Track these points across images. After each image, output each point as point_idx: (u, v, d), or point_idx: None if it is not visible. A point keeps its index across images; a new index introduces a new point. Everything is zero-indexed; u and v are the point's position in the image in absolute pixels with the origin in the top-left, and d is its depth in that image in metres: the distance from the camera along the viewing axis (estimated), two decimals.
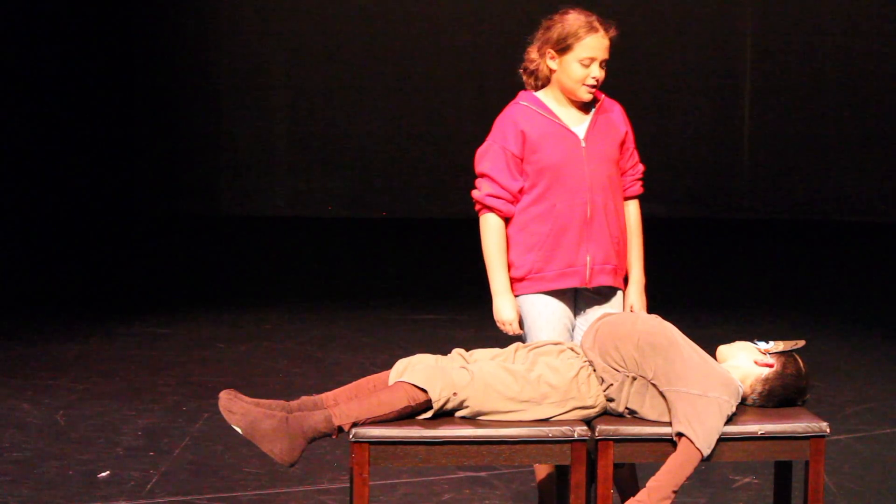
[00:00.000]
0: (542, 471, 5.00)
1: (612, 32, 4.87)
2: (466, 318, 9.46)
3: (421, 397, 4.31)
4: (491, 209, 4.89)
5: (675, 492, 4.26)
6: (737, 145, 15.14)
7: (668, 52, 14.82)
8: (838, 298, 10.60)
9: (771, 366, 4.53)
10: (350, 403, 4.32)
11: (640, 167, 5.08)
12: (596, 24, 4.83)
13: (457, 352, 4.55)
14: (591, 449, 4.38)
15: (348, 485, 5.11)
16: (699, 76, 15.02)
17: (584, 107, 4.92)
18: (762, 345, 4.58)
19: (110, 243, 13.49)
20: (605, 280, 4.91)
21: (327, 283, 11.20)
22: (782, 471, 4.67)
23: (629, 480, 4.96)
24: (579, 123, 4.90)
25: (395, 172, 15.34)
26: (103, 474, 6.06)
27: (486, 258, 4.94)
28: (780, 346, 4.57)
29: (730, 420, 4.35)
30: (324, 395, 4.45)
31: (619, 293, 4.99)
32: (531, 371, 4.42)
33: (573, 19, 4.84)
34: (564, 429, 4.32)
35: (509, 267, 4.92)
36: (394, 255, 12.94)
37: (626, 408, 4.43)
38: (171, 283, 11.27)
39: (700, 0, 15.03)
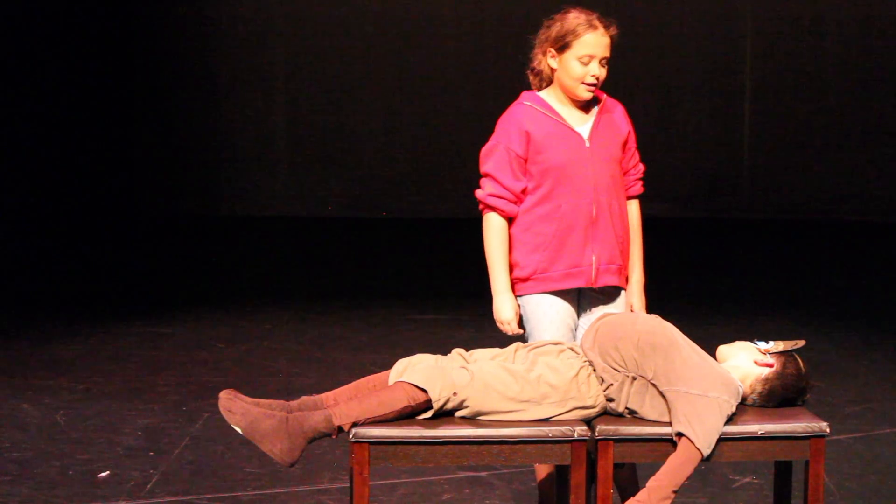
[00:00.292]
0: (542, 471, 5.00)
1: (613, 30, 4.86)
2: (466, 318, 9.46)
3: (421, 397, 4.31)
4: (493, 209, 4.90)
5: (675, 492, 4.26)
6: (737, 145, 15.14)
7: (668, 53, 14.82)
8: (838, 298, 10.60)
9: (771, 366, 4.53)
10: (350, 403, 4.32)
11: (641, 167, 5.09)
12: (595, 21, 4.83)
13: (457, 352, 4.55)
14: (591, 449, 4.38)
15: (348, 485, 5.11)
16: (699, 76, 15.02)
17: (587, 107, 4.92)
18: (762, 345, 4.58)
19: (110, 243, 13.49)
20: (611, 280, 4.91)
21: (327, 283, 11.20)
22: (782, 471, 4.67)
23: (629, 480, 4.96)
24: (583, 123, 4.90)
25: (395, 172, 15.35)
26: (103, 474, 6.06)
27: (487, 257, 4.94)
28: (780, 346, 4.57)
29: (730, 420, 4.35)
30: (324, 395, 4.45)
31: (623, 293, 5.00)
32: (531, 371, 4.42)
33: (573, 17, 4.84)
34: (564, 429, 4.32)
35: (514, 267, 4.93)
36: (394, 255, 12.94)
37: (626, 408, 4.43)
38: (171, 283, 11.27)
39: (700, 0, 15.03)
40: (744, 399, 4.51)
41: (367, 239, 13.95)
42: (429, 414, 4.33)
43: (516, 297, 4.95)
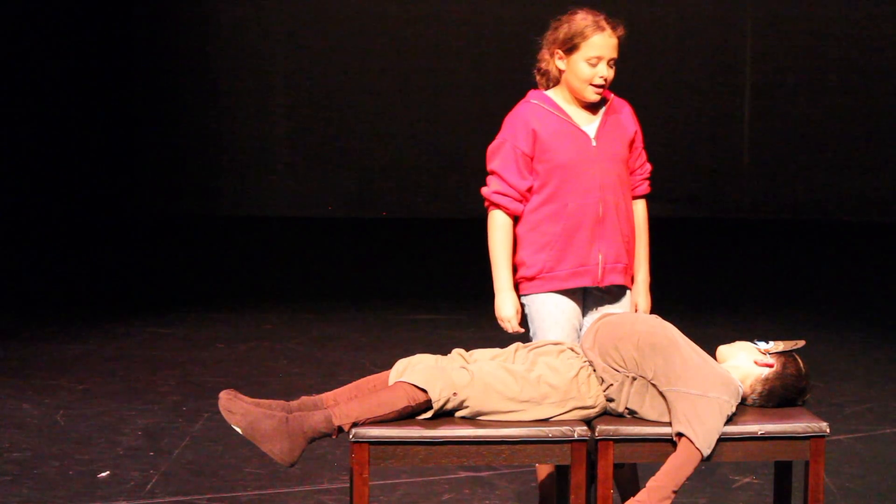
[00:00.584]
0: (543, 470, 5.00)
1: (620, 31, 4.86)
2: (466, 318, 9.47)
3: (421, 397, 4.31)
4: (498, 206, 4.90)
5: (675, 492, 4.26)
6: (737, 145, 15.14)
7: (668, 52, 14.82)
8: (838, 298, 10.60)
9: (771, 366, 4.53)
10: (350, 403, 4.32)
11: (648, 166, 5.09)
12: (603, 23, 4.83)
13: (457, 352, 4.55)
14: (591, 449, 4.38)
15: (348, 485, 5.12)
16: (699, 76, 15.02)
17: (595, 106, 4.92)
18: (762, 345, 4.58)
19: (110, 243, 13.49)
20: (617, 279, 4.91)
21: (327, 283, 11.21)
22: (782, 471, 4.67)
23: (630, 480, 4.96)
24: (590, 123, 4.90)
25: (395, 172, 15.35)
26: (103, 474, 6.06)
27: (490, 254, 4.95)
28: (780, 346, 4.57)
29: (730, 420, 4.35)
30: (324, 395, 4.45)
31: (628, 292, 5.00)
32: (531, 371, 4.42)
33: (580, 19, 4.83)
34: (564, 429, 4.32)
35: (520, 266, 4.93)
36: (394, 255, 12.94)
37: (626, 408, 4.43)
38: (171, 283, 11.27)
39: (700, 0, 15.04)
40: (744, 399, 4.51)
41: (367, 239, 13.95)
42: (429, 414, 4.33)
43: (522, 295, 4.95)
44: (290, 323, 9.48)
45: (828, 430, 4.38)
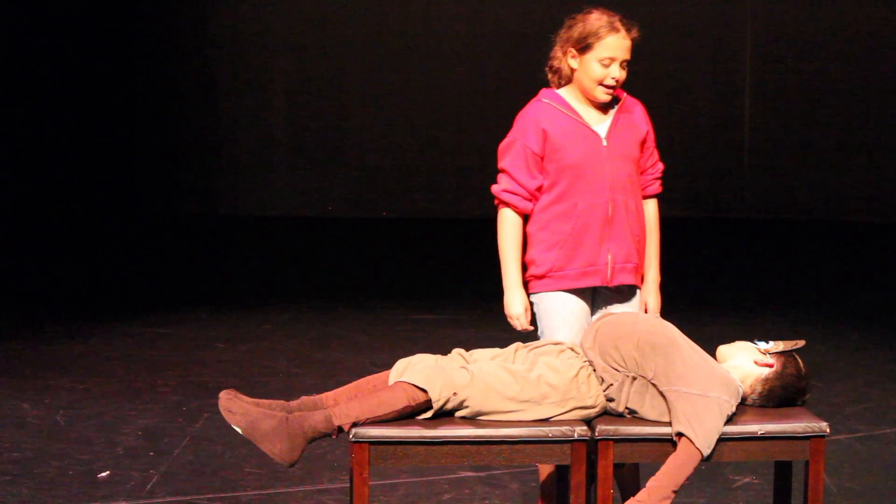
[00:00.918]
0: (545, 468, 5.00)
1: (634, 33, 4.86)
2: (466, 318, 9.47)
3: (421, 397, 4.31)
4: (507, 205, 4.92)
5: (675, 492, 4.26)
6: (737, 145, 15.14)
7: (668, 53, 14.83)
8: (838, 298, 10.60)
9: (771, 366, 4.53)
10: (350, 403, 4.32)
11: (660, 166, 5.08)
12: (617, 24, 4.83)
13: (457, 352, 4.55)
14: (591, 449, 4.38)
15: (348, 485, 5.11)
16: (699, 76, 15.02)
17: (606, 105, 4.91)
18: (762, 345, 4.58)
19: (110, 243, 13.49)
20: (626, 279, 4.91)
21: (327, 283, 11.21)
22: (782, 471, 4.67)
23: (632, 480, 4.96)
24: (601, 122, 4.90)
25: (395, 172, 15.35)
26: (103, 474, 6.06)
27: (500, 252, 4.96)
28: (780, 346, 4.57)
29: (730, 420, 4.35)
30: (324, 395, 4.45)
31: (638, 292, 5.00)
32: (531, 371, 4.42)
33: (595, 19, 4.83)
34: (564, 429, 4.32)
35: (530, 265, 4.94)
36: (394, 255, 12.94)
37: (626, 408, 4.43)
38: (171, 283, 11.27)
39: (700, 0, 15.04)
40: (744, 399, 4.51)
41: (367, 239, 13.95)
42: (429, 414, 4.33)
43: (531, 294, 4.95)
44: (290, 323, 9.48)
45: (828, 430, 4.38)
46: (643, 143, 4.98)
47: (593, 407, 4.44)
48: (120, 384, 7.68)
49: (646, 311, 5.01)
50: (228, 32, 15.37)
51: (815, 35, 14.99)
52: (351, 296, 10.52)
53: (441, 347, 4.83)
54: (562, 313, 4.90)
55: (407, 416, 4.32)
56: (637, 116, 4.98)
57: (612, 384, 4.43)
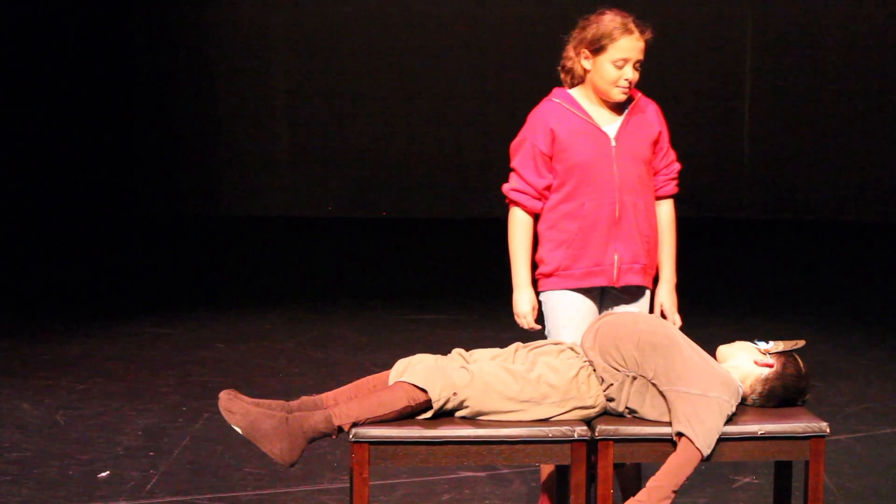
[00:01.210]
0: (547, 468, 5.00)
1: (648, 34, 4.87)
2: (466, 318, 9.46)
3: (421, 397, 4.31)
4: (516, 203, 4.94)
5: (675, 492, 4.26)
6: (737, 145, 15.14)
7: (668, 53, 14.82)
8: (838, 298, 10.60)
9: (771, 366, 4.53)
10: (350, 403, 4.32)
11: (676, 166, 5.06)
12: (631, 25, 4.83)
13: (457, 352, 4.55)
14: (591, 449, 4.38)
15: (348, 485, 5.12)
16: (699, 76, 15.02)
17: (619, 105, 4.91)
18: (762, 345, 4.58)
19: (110, 243, 13.49)
20: (634, 279, 4.91)
21: (327, 283, 11.20)
22: (782, 471, 4.68)
23: (633, 479, 4.96)
24: (611, 122, 4.90)
25: (395, 172, 15.35)
26: (103, 474, 6.06)
27: (509, 251, 4.98)
28: (780, 346, 4.57)
29: (730, 420, 4.35)
30: (324, 395, 4.45)
31: (647, 293, 4.99)
32: (531, 371, 4.42)
33: (609, 20, 4.83)
34: (564, 429, 4.32)
35: (539, 262, 4.97)
36: (394, 255, 12.94)
37: (626, 407, 4.43)
38: (171, 283, 11.27)
39: (700, 0, 15.03)
40: (744, 399, 4.51)
41: (367, 239, 13.95)
42: (429, 414, 4.33)
43: (539, 292, 4.96)
44: (290, 323, 9.48)
45: (828, 430, 4.38)
46: (655, 143, 4.97)
47: (593, 407, 4.44)
48: (120, 384, 7.68)
49: (661, 312, 5.00)
50: (228, 31, 15.37)
51: (815, 35, 14.98)
52: (351, 296, 10.52)
53: (441, 347, 4.83)
54: (568, 312, 4.91)
55: (407, 416, 4.32)
56: (650, 116, 4.97)
57: (612, 384, 4.43)
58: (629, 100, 4.94)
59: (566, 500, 4.62)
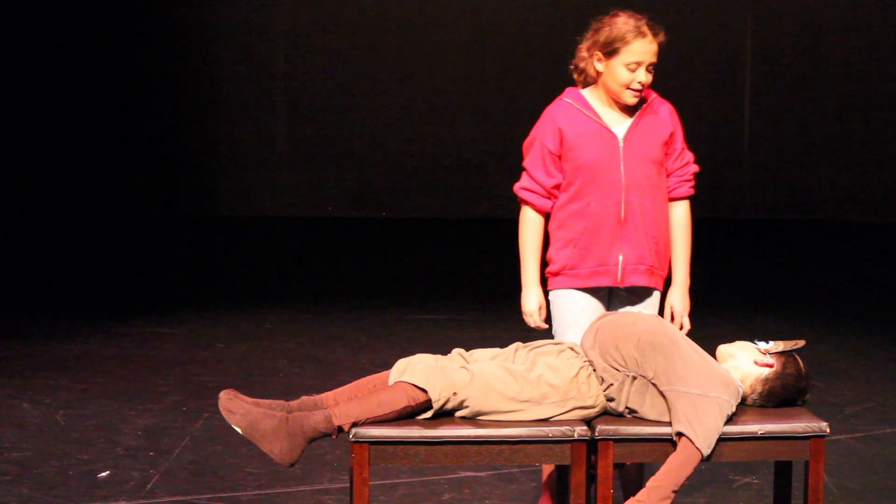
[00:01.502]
0: (548, 468, 5.00)
1: (662, 37, 4.87)
2: (466, 318, 9.46)
3: (421, 397, 4.31)
4: (526, 202, 4.96)
5: (675, 491, 4.26)
6: (737, 145, 15.14)
7: (667, 52, 14.82)
8: (838, 298, 10.60)
9: (771, 366, 4.53)
10: (350, 403, 4.32)
11: (691, 168, 5.03)
12: (644, 28, 4.82)
13: (457, 352, 4.55)
14: (591, 449, 4.38)
15: (348, 485, 5.11)
16: (699, 76, 15.02)
17: (630, 106, 4.90)
18: (762, 345, 4.58)
19: (110, 243, 13.49)
20: (639, 280, 4.91)
21: (327, 283, 11.21)
22: (782, 471, 4.67)
23: (635, 480, 4.96)
24: (621, 123, 4.89)
25: (395, 172, 15.35)
26: (103, 474, 6.05)
27: (519, 249, 4.99)
28: (780, 346, 4.57)
29: (730, 420, 4.35)
30: (324, 395, 4.45)
31: (655, 294, 4.98)
32: (531, 371, 4.41)
33: (622, 23, 4.82)
34: (564, 429, 4.32)
35: (549, 261, 4.98)
36: (394, 255, 12.94)
37: (626, 407, 4.43)
38: (171, 283, 11.27)
39: (700, 1, 15.03)
40: (744, 399, 4.51)
41: (367, 239, 13.95)
42: (429, 414, 4.33)
43: (548, 291, 4.97)
44: (290, 323, 9.48)
45: (828, 430, 4.38)
46: (666, 144, 4.95)
47: (593, 407, 4.44)
48: (120, 384, 7.68)
49: (671, 314, 4.99)
50: (228, 32, 15.37)
51: (815, 35, 14.98)
52: (350, 296, 10.52)
53: (441, 347, 4.83)
54: (573, 311, 4.92)
55: (407, 416, 4.32)
56: (662, 117, 4.95)
57: (612, 384, 4.43)
58: (642, 100, 4.93)
59: (566, 500, 4.62)
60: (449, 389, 4.32)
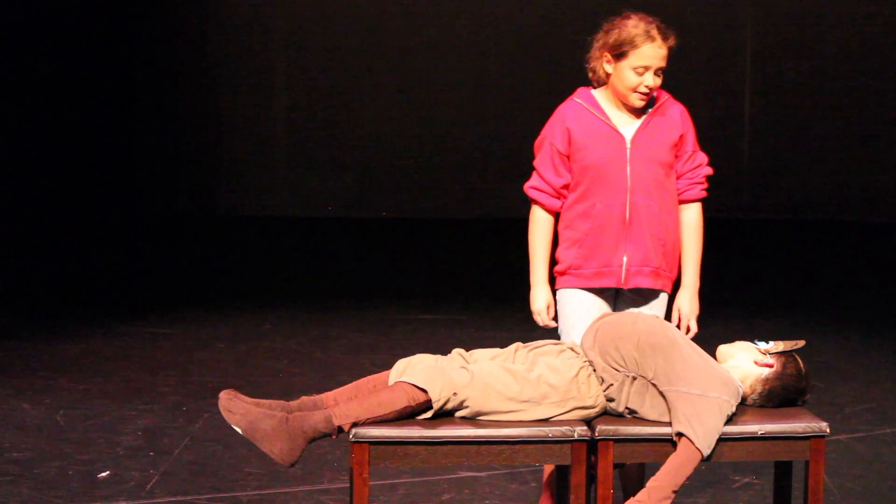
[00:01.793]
0: (550, 467, 5.00)
1: (671, 41, 4.84)
2: (466, 318, 9.46)
3: (421, 397, 4.31)
4: (535, 201, 4.98)
5: (675, 492, 4.26)
6: (737, 145, 15.14)
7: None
8: (838, 298, 10.60)
9: (771, 366, 4.53)
10: (350, 403, 4.32)
11: (704, 170, 5.00)
12: (654, 32, 4.80)
13: (457, 352, 4.55)
14: (591, 449, 4.38)
15: (348, 485, 5.11)
16: (699, 76, 15.02)
17: (641, 108, 4.90)
18: (762, 345, 4.58)
19: (110, 243, 13.49)
20: (644, 282, 4.90)
21: (327, 283, 11.20)
22: (782, 471, 4.67)
23: (636, 480, 4.95)
24: (629, 124, 4.89)
25: (395, 172, 15.35)
26: (103, 474, 6.05)
27: (528, 248, 4.99)
28: (780, 346, 4.57)
29: (730, 420, 4.35)
30: (324, 395, 4.45)
31: (662, 296, 4.97)
32: (531, 371, 4.41)
33: (632, 26, 4.80)
34: (564, 429, 4.32)
35: (558, 261, 4.99)
36: (394, 255, 12.94)
37: (626, 408, 4.43)
38: (171, 283, 11.27)
39: (700, 0, 15.03)
40: (744, 399, 4.51)
41: (367, 239, 13.95)
42: (429, 414, 4.33)
43: (556, 290, 4.97)
44: (290, 323, 9.48)
45: (828, 430, 4.38)
46: (676, 146, 4.93)
47: (593, 407, 4.44)
48: (120, 384, 7.68)
49: (678, 317, 4.99)
50: (228, 32, 15.37)
51: (815, 35, 14.98)
52: (351, 296, 10.52)
53: (441, 347, 4.83)
54: (578, 311, 4.92)
55: (407, 416, 4.32)
56: (673, 119, 4.94)
57: (612, 384, 4.43)
58: (652, 102, 4.92)
59: (566, 500, 4.62)
60: (449, 389, 4.32)
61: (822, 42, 15.00)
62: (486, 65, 15.15)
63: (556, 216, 5.00)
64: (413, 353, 4.57)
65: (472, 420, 4.36)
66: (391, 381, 4.42)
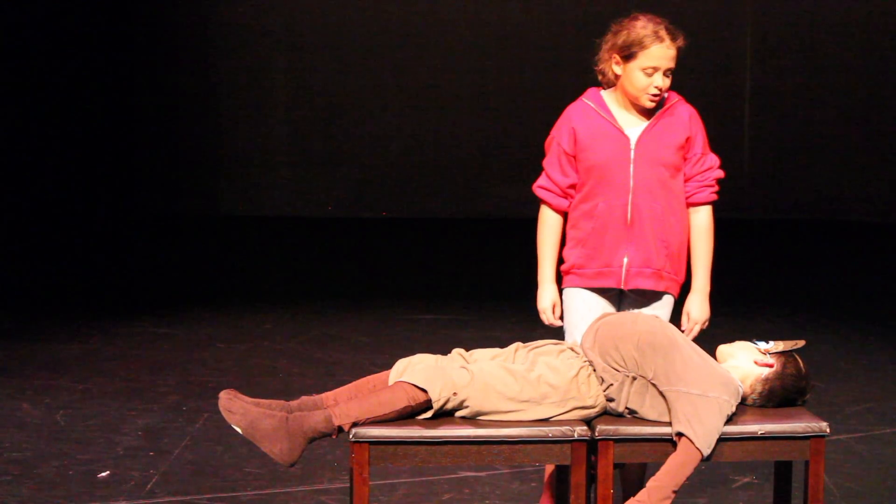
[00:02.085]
0: (551, 467, 5.00)
1: (680, 42, 4.84)
2: (466, 318, 9.46)
3: (421, 397, 4.31)
4: (542, 201, 5.01)
5: (675, 492, 4.26)
6: (737, 145, 15.14)
7: None
8: (838, 298, 10.59)
9: (771, 366, 4.53)
10: (350, 403, 4.32)
11: (714, 173, 4.96)
12: (663, 33, 4.80)
13: (457, 352, 4.55)
14: (591, 449, 4.38)
15: (348, 485, 5.11)
16: (699, 76, 15.01)
17: (648, 109, 4.89)
18: (762, 345, 4.58)
19: (110, 243, 13.48)
20: (645, 284, 4.90)
21: (327, 283, 11.20)
22: (782, 471, 4.68)
23: (637, 481, 4.95)
24: (636, 125, 4.89)
25: (395, 172, 15.34)
26: (103, 474, 6.06)
27: (536, 247, 5.02)
28: (780, 346, 4.57)
29: (730, 420, 4.35)
30: (324, 395, 4.45)
31: (667, 298, 4.96)
32: (531, 371, 4.42)
33: (640, 27, 4.80)
34: (564, 429, 4.32)
35: (565, 260, 4.99)
36: (394, 255, 12.94)
37: (626, 408, 4.43)
38: (171, 283, 11.27)
39: (700, 1, 15.03)
40: (744, 399, 4.51)
41: (367, 239, 13.95)
42: (429, 414, 4.33)
43: (561, 289, 4.98)
44: (290, 323, 9.48)
45: (828, 430, 4.38)
46: (682, 148, 4.92)
47: (593, 407, 4.44)
48: (120, 384, 7.68)
49: (688, 321, 4.97)
50: (228, 32, 15.36)
51: (815, 35, 14.98)
52: (350, 296, 10.52)
53: (441, 347, 4.83)
54: (580, 311, 4.93)
55: (407, 416, 4.32)
56: (681, 121, 4.92)
57: (612, 384, 4.43)
58: (661, 103, 4.91)
59: (566, 500, 4.62)
60: (449, 389, 4.32)
61: (822, 42, 14.99)
62: (486, 65, 15.14)
63: (564, 216, 5.01)
64: (413, 353, 4.57)
65: (472, 420, 4.36)
66: (391, 381, 4.42)
